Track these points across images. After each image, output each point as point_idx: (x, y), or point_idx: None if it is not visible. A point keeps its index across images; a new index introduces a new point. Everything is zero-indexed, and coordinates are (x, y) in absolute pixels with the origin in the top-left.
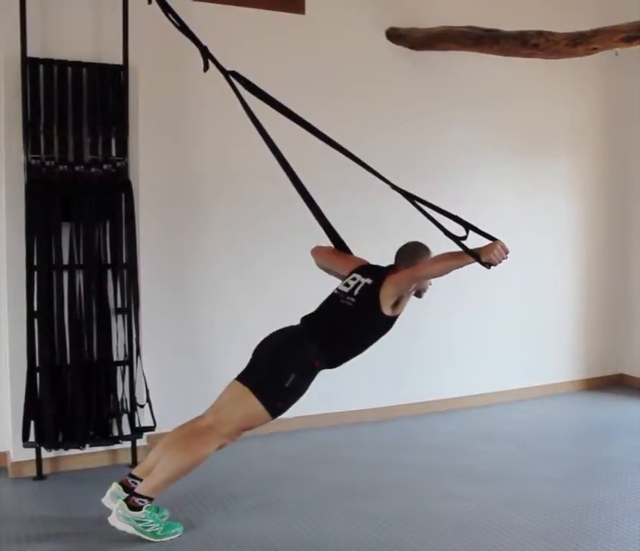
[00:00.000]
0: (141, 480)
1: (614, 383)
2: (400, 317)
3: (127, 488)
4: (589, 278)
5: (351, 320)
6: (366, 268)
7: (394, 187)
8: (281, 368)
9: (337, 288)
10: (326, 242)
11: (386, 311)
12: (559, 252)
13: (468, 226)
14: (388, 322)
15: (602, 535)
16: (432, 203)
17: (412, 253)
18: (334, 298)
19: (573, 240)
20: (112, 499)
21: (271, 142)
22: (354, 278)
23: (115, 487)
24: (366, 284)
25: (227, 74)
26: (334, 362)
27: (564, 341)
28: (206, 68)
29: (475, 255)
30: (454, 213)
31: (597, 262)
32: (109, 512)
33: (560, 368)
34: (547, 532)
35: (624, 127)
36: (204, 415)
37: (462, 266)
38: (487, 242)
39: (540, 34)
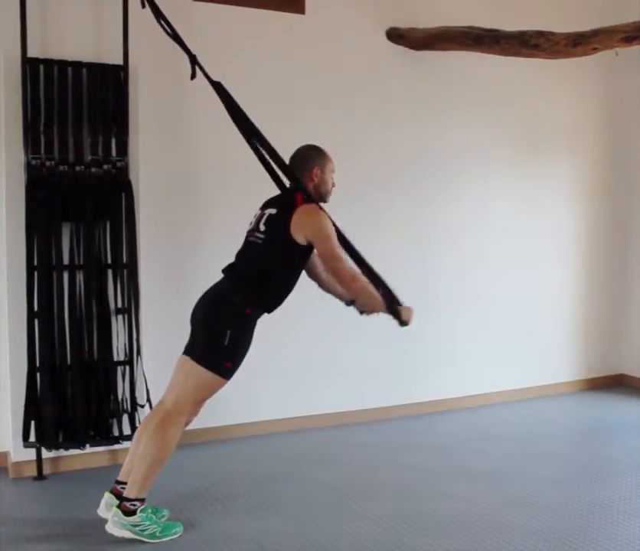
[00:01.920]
0: (127, 483)
1: (614, 383)
2: None
3: (117, 495)
4: (589, 279)
5: (264, 256)
6: (267, 202)
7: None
8: (214, 329)
9: (247, 230)
10: None
11: (301, 241)
12: (559, 252)
13: (390, 292)
14: (305, 252)
15: (602, 535)
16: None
17: (305, 158)
18: (245, 240)
19: (573, 240)
20: (107, 508)
21: (255, 147)
22: (255, 215)
23: (107, 496)
24: (270, 215)
25: (214, 84)
26: (266, 304)
27: (564, 341)
28: (193, 76)
29: (398, 312)
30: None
31: (597, 262)
32: (106, 519)
33: (560, 368)
34: (547, 532)
35: (624, 127)
36: (163, 399)
37: (370, 307)
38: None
39: (540, 34)
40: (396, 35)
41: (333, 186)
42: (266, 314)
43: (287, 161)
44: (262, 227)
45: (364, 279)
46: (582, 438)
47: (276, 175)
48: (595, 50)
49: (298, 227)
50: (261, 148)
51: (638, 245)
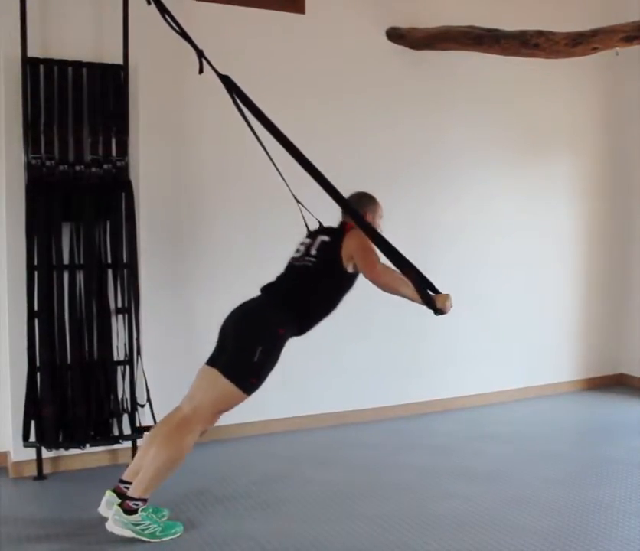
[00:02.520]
0: (131, 483)
1: (614, 383)
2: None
3: (120, 494)
4: (589, 278)
5: (312, 279)
6: (317, 230)
7: (367, 229)
8: (246, 344)
9: (291, 258)
10: None
11: (349, 269)
12: (559, 252)
13: (424, 279)
14: (351, 278)
15: (602, 535)
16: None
17: (357, 204)
18: (290, 265)
19: (573, 240)
20: (108, 507)
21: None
22: (302, 243)
23: (108, 495)
24: (323, 241)
25: (222, 78)
26: (301, 326)
27: (564, 341)
28: (201, 71)
29: (432, 300)
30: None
31: (597, 261)
32: (107, 518)
33: (559, 368)
34: (547, 532)
35: (624, 127)
36: (180, 406)
37: (408, 299)
38: None
39: (540, 33)
40: (396, 35)
41: (381, 231)
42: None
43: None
44: (313, 252)
45: (394, 280)
46: (582, 438)
47: (299, 156)
48: (595, 49)
49: (347, 251)
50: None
51: (638, 245)
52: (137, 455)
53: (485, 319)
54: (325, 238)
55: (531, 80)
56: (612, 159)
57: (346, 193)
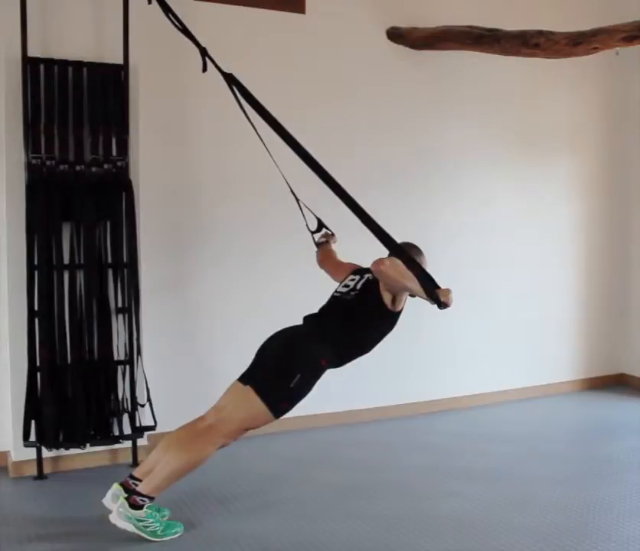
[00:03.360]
0: (141, 481)
1: (614, 383)
2: (401, 315)
3: (127, 489)
4: (589, 278)
5: (355, 313)
6: (363, 268)
7: (377, 232)
8: (286, 368)
9: (336, 291)
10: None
11: (388, 304)
12: (559, 251)
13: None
14: (391, 317)
15: (602, 535)
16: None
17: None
18: (335, 299)
19: (573, 240)
20: (113, 500)
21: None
22: (352, 279)
23: (115, 487)
24: (367, 278)
25: (225, 76)
26: (342, 359)
27: (564, 341)
28: (204, 69)
29: (437, 295)
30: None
31: (597, 261)
32: (109, 511)
33: (560, 368)
34: (547, 531)
35: (624, 127)
36: (205, 416)
37: (412, 291)
38: None
39: (540, 33)
40: (396, 35)
41: None
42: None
43: None
44: (358, 287)
45: (388, 267)
46: (583, 438)
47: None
48: (595, 49)
49: (385, 290)
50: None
51: (638, 244)
52: (151, 455)
53: (485, 319)
54: (369, 276)
55: (531, 80)
56: (612, 159)
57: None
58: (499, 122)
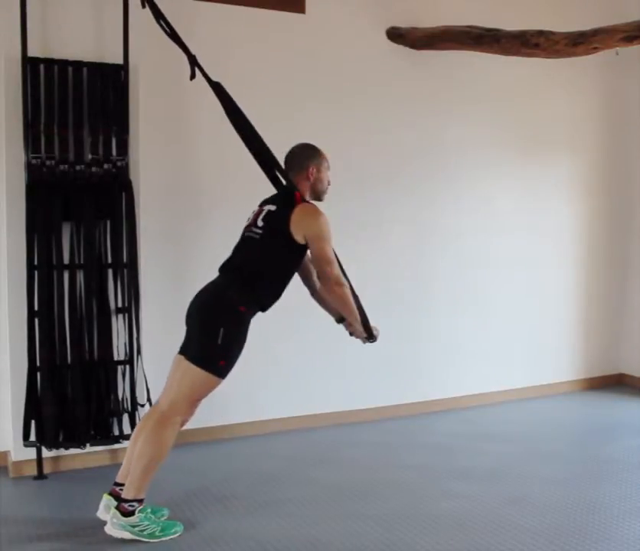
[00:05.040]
0: (124, 484)
1: (614, 383)
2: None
3: (116, 497)
4: (589, 278)
5: (262, 252)
6: (266, 199)
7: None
8: (208, 327)
9: (244, 226)
10: None
11: (300, 240)
12: (559, 251)
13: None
14: (302, 249)
15: (602, 535)
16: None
17: (302, 156)
18: (241, 237)
19: (573, 240)
20: (106, 510)
21: (252, 146)
22: (253, 211)
23: (105, 498)
24: (269, 211)
25: (213, 85)
26: (261, 302)
27: (564, 341)
28: (192, 76)
29: (369, 326)
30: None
31: (597, 261)
32: (105, 522)
33: (559, 368)
34: (547, 531)
35: (624, 127)
36: (159, 401)
37: (344, 316)
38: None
39: (540, 33)
40: (396, 35)
41: (329, 184)
42: (260, 313)
43: (282, 160)
44: (260, 223)
45: (347, 288)
46: (582, 438)
47: (274, 177)
48: (595, 49)
49: (298, 225)
50: (258, 149)
51: (638, 244)
52: (126, 456)
53: (485, 319)
54: (272, 207)
55: (531, 80)
56: (612, 159)
57: (346, 191)
58: (499, 122)
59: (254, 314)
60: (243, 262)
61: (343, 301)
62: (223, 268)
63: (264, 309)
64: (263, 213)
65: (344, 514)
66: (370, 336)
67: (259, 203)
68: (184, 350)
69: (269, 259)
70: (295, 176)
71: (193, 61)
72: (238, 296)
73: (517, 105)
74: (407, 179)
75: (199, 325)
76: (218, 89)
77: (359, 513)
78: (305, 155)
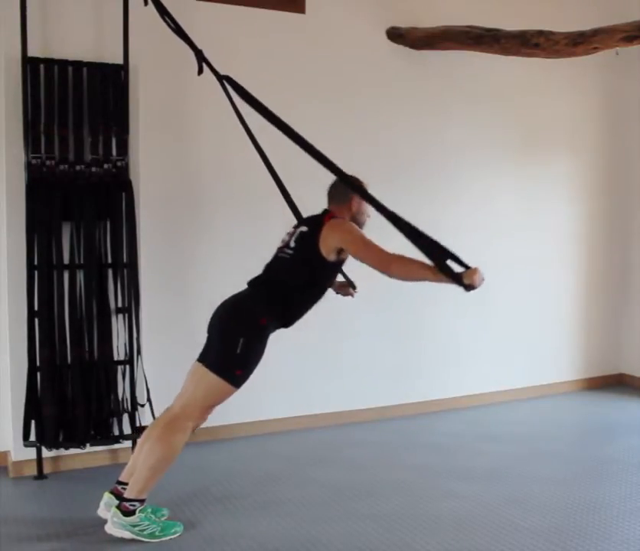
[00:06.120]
0: (128, 484)
1: (614, 383)
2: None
3: (117, 495)
4: (589, 278)
5: (291, 272)
6: (301, 220)
7: (379, 208)
8: (229, 336)
9: (277, 247)
10: None
11: (330, 258)
12: (559, 251)
13: (448, 253)
14: (333, 268)
15: (603, 535)
16: (415, 226)
17: (344, 190)
18: (274, 256)
19: (573, 240)
20: (107, 509)
21: (257, 144)
22: (288, 232)
23: (107, 496)
24: (301, 232)
25: (221, 78)
26: (285, 318)
27: (564, 341)
28: (200, 72)
29: (458, 276)
30: (435, 238)
31: (597, 261)
32: (106, 520)
33: (559, 368)
34: (547, 531)
35: (624, 127)
36: (172, 405)
37: (430, 281)
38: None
39: (540, 33)
40: (396, 35)
41: (368, 216)
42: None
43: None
44: (292, 244)
45: (402, 264)
46: (583, 438)
47: (306, 147)
48: (595, 49)
49: (326, 240)
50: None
51: (638, 244)
52: (132, 456)
53: (485, 319)
54: (304, 229)
55: (531, 80)
56: (612, 159)
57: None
58: (499, 122)
59: (275, 329)
60: (272, 278)
61: (410, 276)
62: (252, 283)
63: (287, 325)
64: (296, 235)
65: (344, 514)
66: (464, 286)
67: (293, 224)
68: (203, 358)
69: (298, 277)
70: (337, 207)
71: (200, 56)
72: (261, 309)
73: (517, 105)
74: (407, 179)
75: (219, 333)
76: (228, 81)
77: (359, 513)
78: (347, 188)
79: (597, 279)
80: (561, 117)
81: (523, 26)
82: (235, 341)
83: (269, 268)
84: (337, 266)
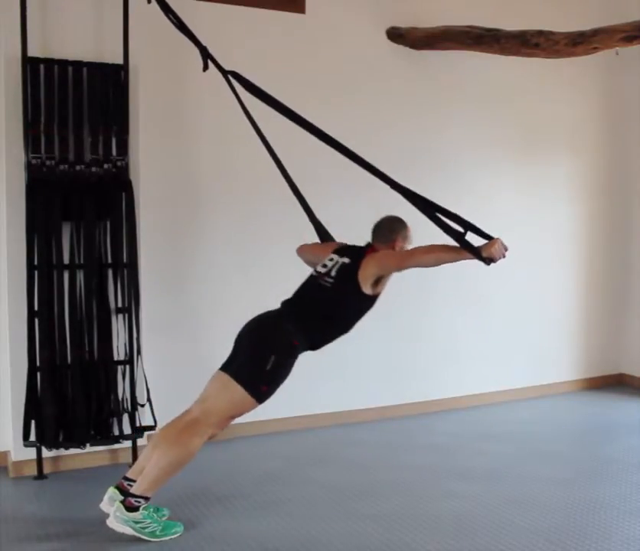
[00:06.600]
0: (135, 481)
1: (614, 383)
2: (380, 299)
3: (123, 491)
4: (589, 278)
5: (330, 300)
6: (343, 249)
7: (394, 186)
8: (261, 352)
9: (315, 270)
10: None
11: (366, 290)
12: (559, 251)
13: (467, 225)
14: (368, 301)
15: (602, 535)
16: (432, 200)
17: (390, 229)
18: (312, 279)
19: (573, 239)
20: (110, 503)
21: (266, 141)
22: (331, 259)
23: (111, 491)
24: (343, 263)
25: (226, 74)
26: (314, 341)
27: (564, 341)
28: (205, 68)
29: (476, 250)
30: (453, 211)
31: (597, 261)
32: (107, 515)
33: (559, 368)
34: (547, 531)
35: (624, 126)
36: (190, 409)
37: (457, 261)
38: (483, 241)
39: (540, 33)
40: (396, 35)
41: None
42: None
43: (372, 230)
44: (333, 273)
45: (435, 248)
46: (583, 438)
47: (314, 131)
48: (595, 49)
49: (366, 269)
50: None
51: (638, 244)
52: (142, 454)
53: (485, 319)
54: (346, 260)
55: (531, 80)
56: (611, 159)
57: (346, 191)
58: (499, 122)
59: (303, 351)
60: (308, 301)
61: (442, 260)
62: (287, 303)
63: (314, 348)
64: (338, 266)
65: (344, 514)
66: (483, 260)
67: (332, 250)
68: (226, 368)
69: (334, 306)
70: (380, 245)
71: (205, 53)
72: (295, 330)
73: (517, 105)
74: (407, 179)
75: (252, 346)
76: (235, 76)
77: (359, 513)
78: (392, 229)
79: (597, 279)
80: (561, 117)
81: (523, 26)
82: (266, 357)
83: (305, 292)
84: (370, 302)
